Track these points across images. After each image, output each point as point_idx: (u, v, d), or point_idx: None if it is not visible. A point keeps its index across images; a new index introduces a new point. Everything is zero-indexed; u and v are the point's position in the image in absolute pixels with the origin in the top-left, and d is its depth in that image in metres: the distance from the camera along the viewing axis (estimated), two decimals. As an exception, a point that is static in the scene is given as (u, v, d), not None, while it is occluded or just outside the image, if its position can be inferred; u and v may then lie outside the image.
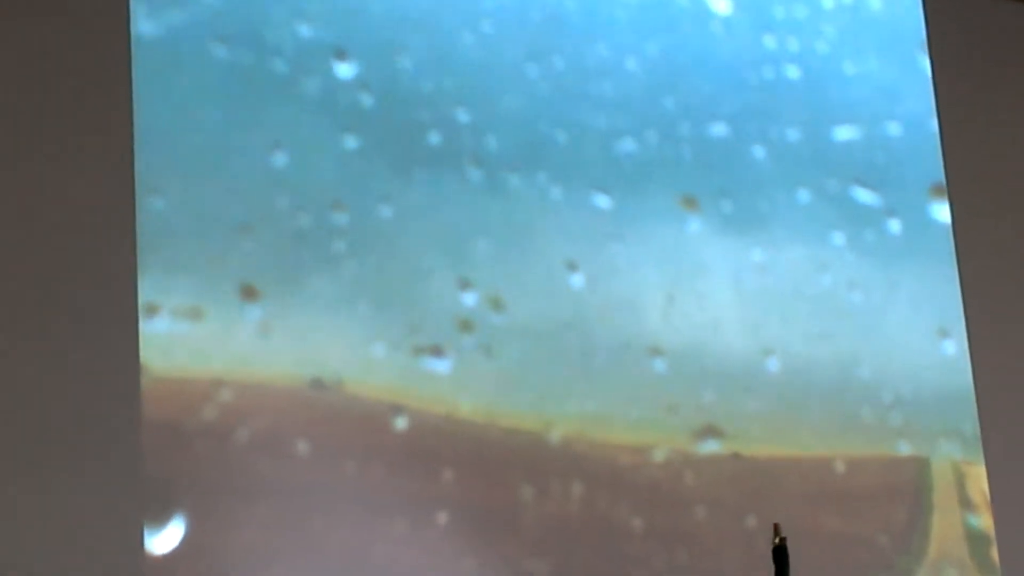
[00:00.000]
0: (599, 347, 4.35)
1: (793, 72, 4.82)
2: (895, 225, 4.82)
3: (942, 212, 4.89)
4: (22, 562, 3.65)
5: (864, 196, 4.81)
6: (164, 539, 3.78)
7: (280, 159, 4.10)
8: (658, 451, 4.35)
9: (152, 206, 3.94)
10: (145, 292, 3.87)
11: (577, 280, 4.38)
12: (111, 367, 3.81)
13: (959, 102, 4.98)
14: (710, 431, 4.42)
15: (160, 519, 3.78)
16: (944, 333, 4.80)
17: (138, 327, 3.84)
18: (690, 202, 4.57)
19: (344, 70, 4.23)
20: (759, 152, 4.70)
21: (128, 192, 3.90)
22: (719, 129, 4.66)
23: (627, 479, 4.29)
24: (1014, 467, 4.76)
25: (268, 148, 4.09)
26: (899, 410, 4.67)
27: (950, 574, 4.62)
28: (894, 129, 4.90)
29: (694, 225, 4.56)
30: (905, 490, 4.65)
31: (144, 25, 4.02)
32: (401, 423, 4.07)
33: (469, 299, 4.24)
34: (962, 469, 4.71)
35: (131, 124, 3.92)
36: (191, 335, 3.90)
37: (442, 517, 4.07)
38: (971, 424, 4.74)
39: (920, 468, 4.68)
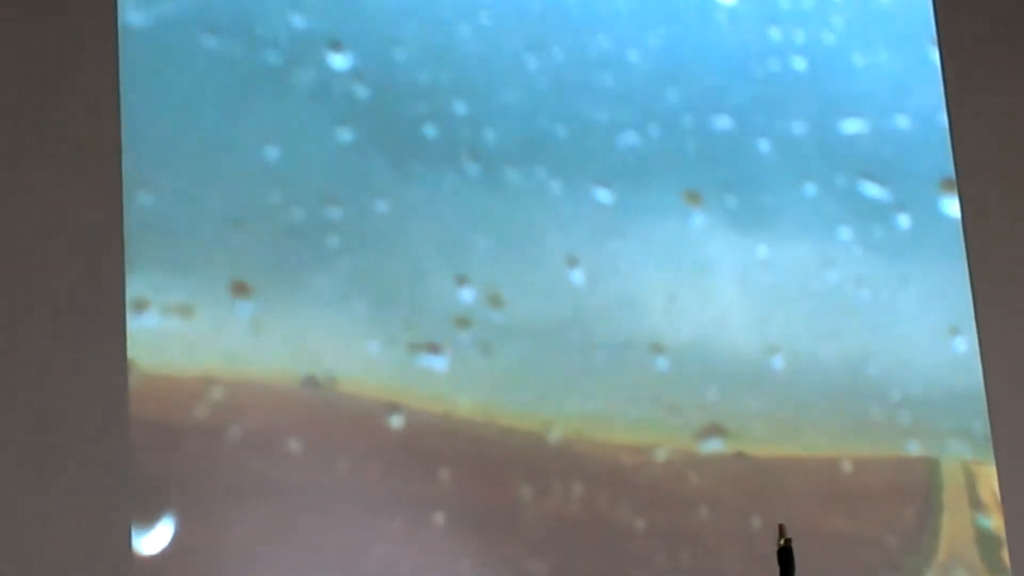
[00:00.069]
0: (600, 344, 4.31)
1: (799, 64, 4.77)
2: (904, 220, 4.78)
3: (952, 207, 4.85)
4: (7, 562, 3.61)
5: (872, 191, 4.77)
6: (153, 539, 3.75)
7: (273, 152, 4.07)
8: (660, 450, 4.31)
9: (141, 200, 3.90)
10: (134, 288, 3.84)
11: (577, 276, 4.34)
12: (99, 364, 3.77)
13: (969, 95, 4.94)
14: (713, 430, 4.38)
15: (149, 519, 3.75)
16: (954, 330, 4.76)
17: (126, 323, 3.80)
18: (693, 197, 4.53)
19: (339, 62, 4.19)
20: (764, 146, 4.66)
21: (116, 186, 3.86)
22: (723, 122, 4.62)
23: (628, 479, 4.26)
24: (1025, 467, 4.72)
25: (260, 141, 4.05)
26: (908, 409, 4.63)
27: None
28: (903, 122, 4.86)
29: (697, 220, 4.52)
30: (914, 490, 4.60)
31: (132, 15, 3.98)
32: (397, 422, 4.04)
33: (467, 295, 4.20)
34: (972, 469, 4.68)
35: (119, 117, 3.88)
36: (181, 332, 3.87)
37: (439, 518, 4.03)
38: (982, 423, 4.70)
39: (929, 468, 4.64)
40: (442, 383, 4.11)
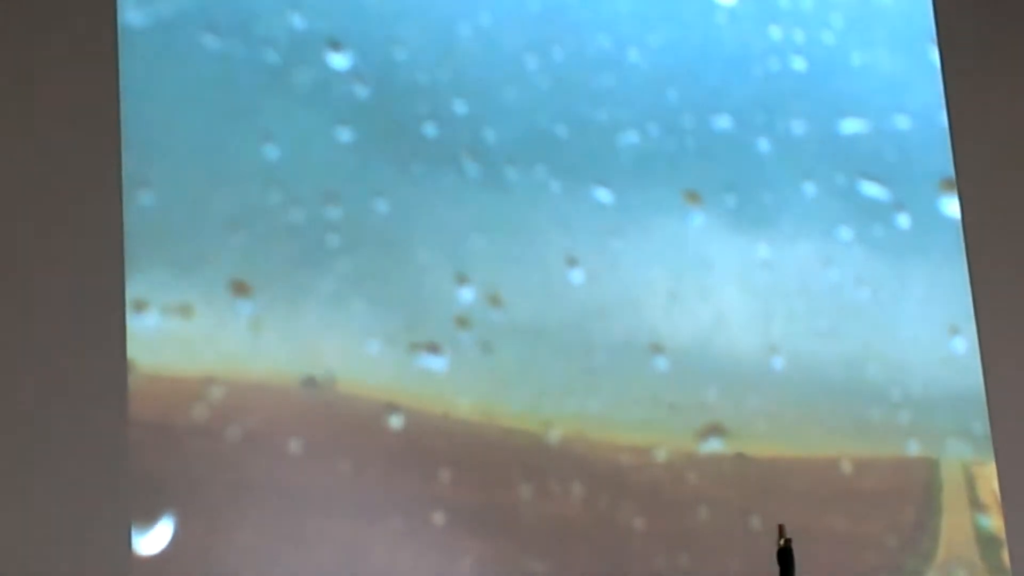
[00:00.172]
0: (600, 344, 4.30)
1: (799, 64, 4.76)
2: (904, 220, 4.77)
3: (952, 207, 4.84)
4: (7, 563, 3.60)
5: (872, 190, 4.76)
6: (153, 539, 3.74)
7: (272, 152, 4.05)
8: (660, 451, 4.30)
9: (140, 200, 3.88)
10: (133, 288, 3.82)
11: (577, 276, 4.33)
12: (98, 364, 3.76)
13: (969, 95, 4.93)
14: (713, 430, 4.37)
15: (149, 519, 3.74)
16: (954, 330, 4.75)
17: (126, 324, 3.79)
18: (693, 196, 4.52)
19: (338, 61, 4.18)
20: (764, 145, 4.65)
21: (116, 186, 3.85)
22: (723, 122, 4.61)
23: (628, 479, 4.25)
24: (1025, 467, 4.72)
25: (260, 141, 4.04)
26: (908, 409, 4.63)
27: (960, 576, 4.57)
28: (903, 122, 4.85)
29: (697, 220, 4.51)
30: (914, 491, 4.60)
31: (132, 15, 3.97)
32: (396, 422, 4.02)
33: (466, 295, 4.19)
34: (972, 469, 4.67)
35: (119, 116, 3.87)
36: (181, 332, 3.86)
37: (439, 518, 4.02)
38: (982, 423, 4.69)
39: (929, 468, 4.63)
40: (442, 383, 4.10)
